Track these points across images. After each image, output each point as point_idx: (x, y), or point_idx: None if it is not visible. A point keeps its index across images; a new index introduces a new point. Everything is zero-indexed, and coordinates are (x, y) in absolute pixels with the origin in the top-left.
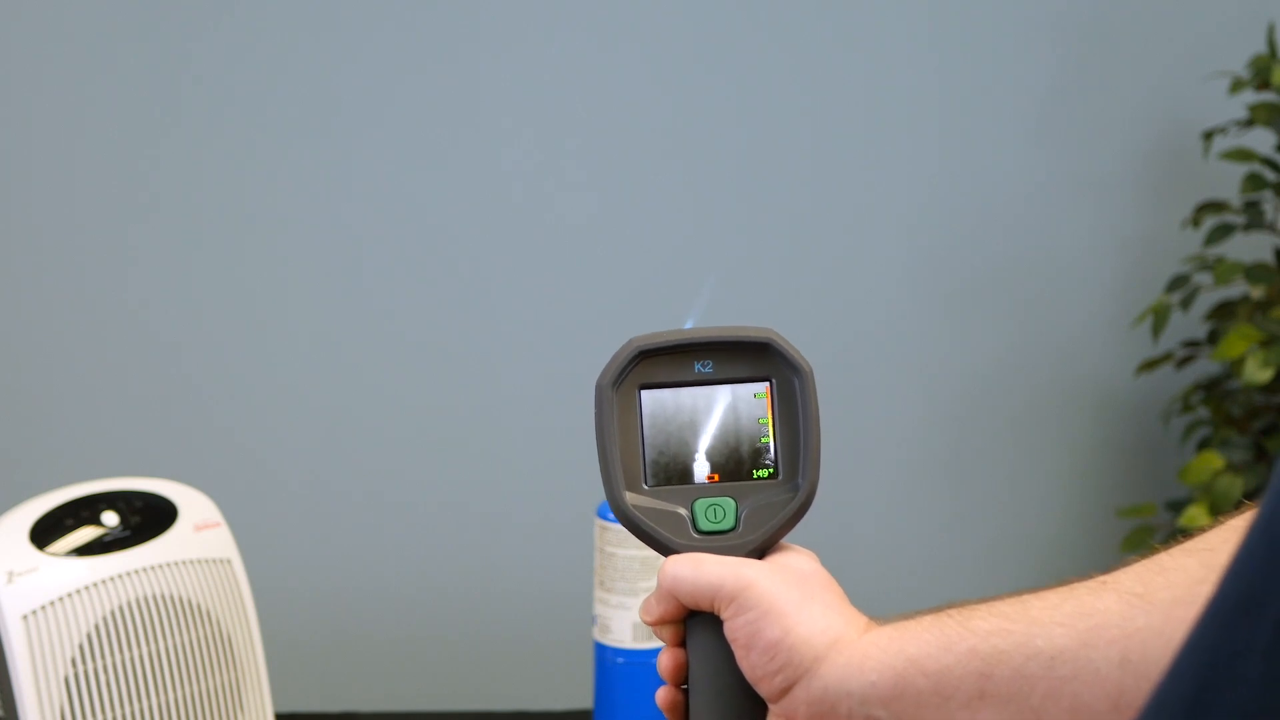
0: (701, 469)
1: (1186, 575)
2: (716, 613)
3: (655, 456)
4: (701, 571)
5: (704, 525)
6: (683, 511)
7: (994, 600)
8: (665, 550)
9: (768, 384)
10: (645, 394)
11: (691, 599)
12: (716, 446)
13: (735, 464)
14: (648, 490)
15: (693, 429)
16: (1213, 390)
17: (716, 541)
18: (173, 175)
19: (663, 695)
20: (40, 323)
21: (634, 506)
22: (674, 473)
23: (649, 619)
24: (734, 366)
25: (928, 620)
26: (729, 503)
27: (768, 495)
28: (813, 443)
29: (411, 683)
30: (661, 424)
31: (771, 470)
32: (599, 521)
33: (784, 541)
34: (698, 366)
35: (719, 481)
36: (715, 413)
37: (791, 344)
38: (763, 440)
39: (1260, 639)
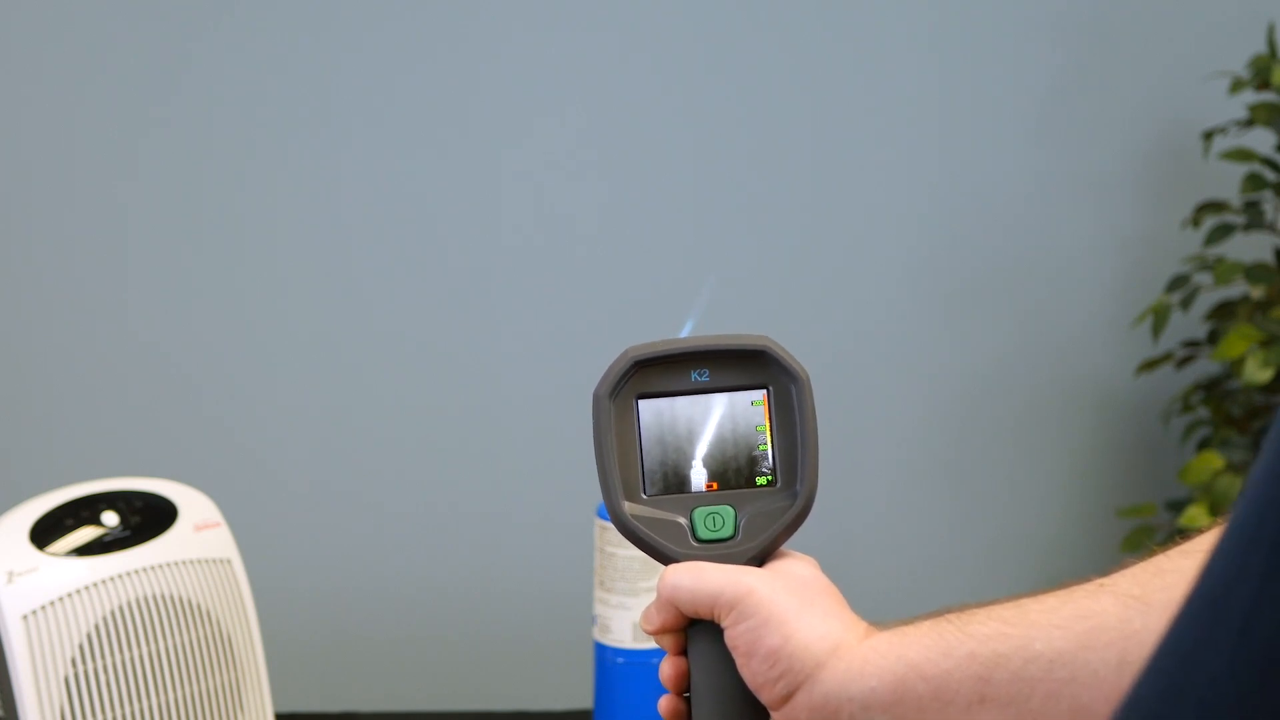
0: (700, 477)
1: (1183, 577)
2: (716, 620)
3: (653, 466)
4: (701, 580)
5: (703, 534)
6: (681, 520)
7: (993, 604)
8: (665, 559)
9: (764, 391)
10: (643, 403)
11: (691, 607)
12: (714, 455)
13: (733, 472)
14: (646, 499)
15: (690, 438)
16: (1213, 390)
17: (716, 550)
18: (173, 175)
19: (665, 704)
20: (40, 323)
21: (633, 516)
22: (672, 482)
23: (649, 628)
24: (730, 374)
25: (927, 625)
26: (728, 511)
27: (766, 503)
28: (810, 449)
29: (411, 683)
30: (659, 433)
31: (770, 478)
32: (599, 521)
33: (784, 548)
34: (694, 375)
35: (717, 490)
36: (712, 421)
37: (787, 350)
38: (760, 448)
39: (1224, 632)
